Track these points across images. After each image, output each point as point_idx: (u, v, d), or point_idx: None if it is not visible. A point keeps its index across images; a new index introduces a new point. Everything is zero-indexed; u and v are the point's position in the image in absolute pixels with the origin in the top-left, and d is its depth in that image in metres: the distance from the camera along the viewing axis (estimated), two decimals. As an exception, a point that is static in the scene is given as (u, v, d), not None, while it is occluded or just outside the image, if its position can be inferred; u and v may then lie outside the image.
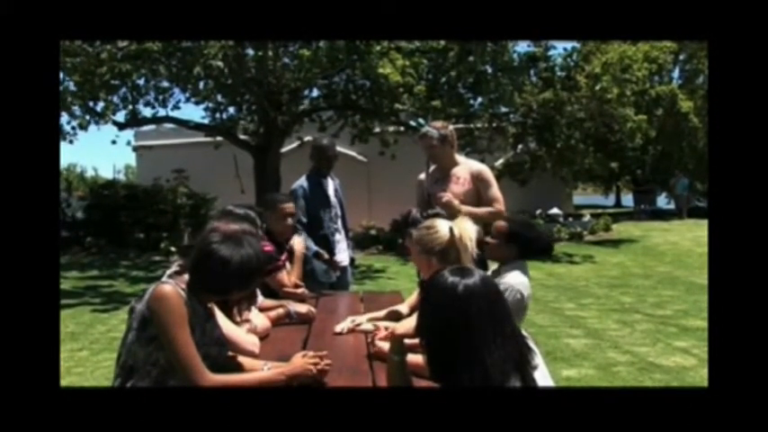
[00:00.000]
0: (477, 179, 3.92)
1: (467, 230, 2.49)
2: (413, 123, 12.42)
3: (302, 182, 4.48)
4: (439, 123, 4.17)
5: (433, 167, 4.06)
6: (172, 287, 1.92)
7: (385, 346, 2.23)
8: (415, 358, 1.96)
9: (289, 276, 3.56)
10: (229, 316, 2.45)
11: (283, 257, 3.61)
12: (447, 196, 3.74)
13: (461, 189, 3.88)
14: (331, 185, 4.61)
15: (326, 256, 4.32)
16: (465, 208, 3.62)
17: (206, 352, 1.96)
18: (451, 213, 3.21)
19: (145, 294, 1.95)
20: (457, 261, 2.44)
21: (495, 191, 3.93)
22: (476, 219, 3.98)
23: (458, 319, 1.54)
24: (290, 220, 3.66)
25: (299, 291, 3.53)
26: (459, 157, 4.08)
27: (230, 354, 2.17)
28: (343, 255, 4.58)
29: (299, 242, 3.81)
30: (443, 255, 2.44)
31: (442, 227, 2.51)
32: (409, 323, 1.90)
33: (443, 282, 1.60)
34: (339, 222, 4.61)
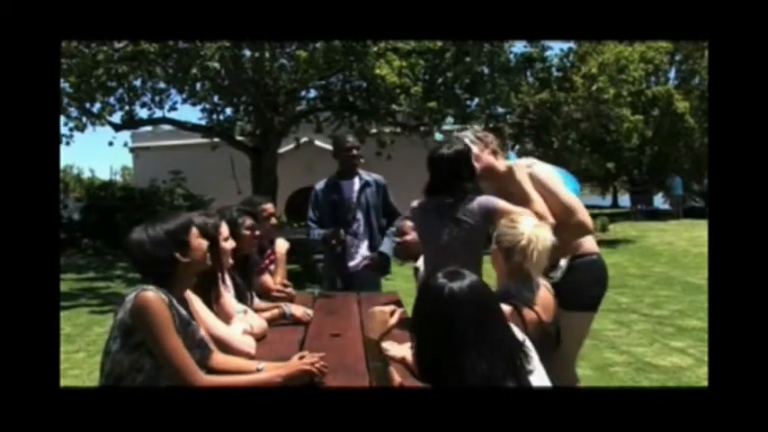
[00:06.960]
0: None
1: (541, 240, 2.36)
2: (430, 126, 12.38)
3: (320, 184, 4.40)
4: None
5: None
6: (153, 293, 1.89)
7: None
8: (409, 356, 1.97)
9: (274, 278, 3.55)
10: (209, 305, 2.44)
11: (266, 261, 3.60)
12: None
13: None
14: (356, 186, 4.32)
15: (330, 232, 4.10)
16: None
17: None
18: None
19: (125, 302, 1.91)
20: (519, 265, 2.37)
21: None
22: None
23: (441, 321, 1.56)
24: (273, 220, 3.65)
25: (288, 290, 3.50)
26: None
27: (216, 357, 2.14)
28: (356, 261, 4.33)
29: (280, 244, 3.71)
30: (508, 254, 2.39)
31: (522, 226, 2.41)
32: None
33: (432, 284, 1.62)
34: (357, 226, 4.31)
